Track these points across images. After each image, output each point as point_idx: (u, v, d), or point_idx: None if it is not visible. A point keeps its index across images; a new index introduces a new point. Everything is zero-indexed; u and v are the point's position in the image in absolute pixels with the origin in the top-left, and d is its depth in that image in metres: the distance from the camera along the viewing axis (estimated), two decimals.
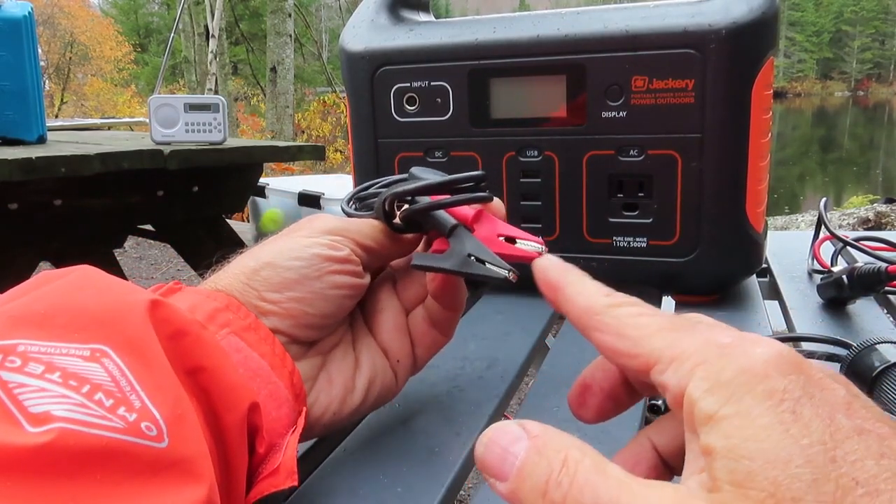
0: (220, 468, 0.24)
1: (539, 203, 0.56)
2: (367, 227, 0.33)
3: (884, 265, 0.47)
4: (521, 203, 0.56)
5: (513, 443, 0.19)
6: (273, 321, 0.29)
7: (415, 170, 0.35)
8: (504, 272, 0.29)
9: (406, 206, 0.33)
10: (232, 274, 0.30)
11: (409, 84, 0.57)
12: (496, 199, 0.32)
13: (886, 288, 0.50)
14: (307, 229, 0.32)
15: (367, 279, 0.33)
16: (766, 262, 0.65)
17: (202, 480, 0.22)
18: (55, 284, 0.24)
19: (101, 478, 0.19)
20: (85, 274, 0.25)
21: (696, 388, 0.18)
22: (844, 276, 0.49)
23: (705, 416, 0.17)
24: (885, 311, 0.52)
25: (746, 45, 0.48)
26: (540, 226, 0.56)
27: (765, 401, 0.16)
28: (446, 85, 0.56)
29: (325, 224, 0.32)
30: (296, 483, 0.26)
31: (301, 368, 0.30)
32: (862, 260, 0.65)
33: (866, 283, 0.49)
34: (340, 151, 8.35)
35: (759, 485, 0.15)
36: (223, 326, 0.27)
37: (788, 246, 0.71)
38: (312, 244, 0.30)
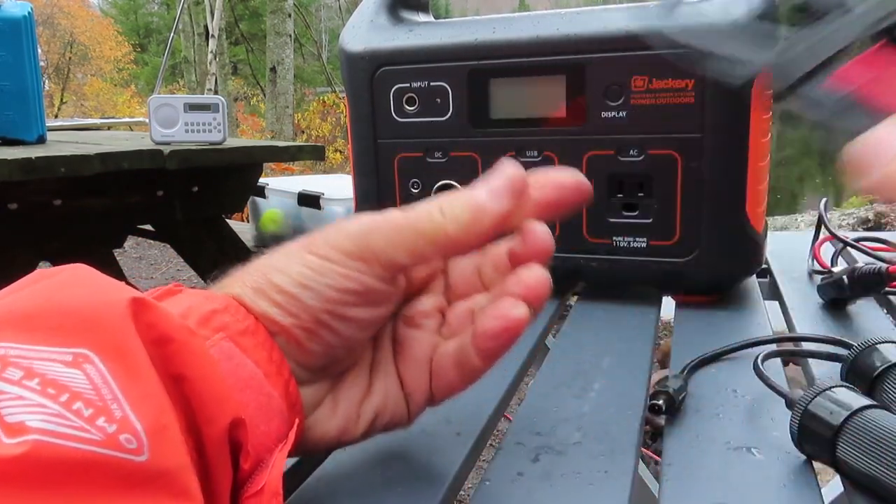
0: (202, 482, 0.23)
1: None
2: (405, 238, 0.27)
3: (884, 266, 0.47)
4: None
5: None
6: (280, 344, 0.27)
7: None
8: None
9: None
10: (243, 282, 0.28)
11: (408, 84, 0.57)
12: None
13: (887, 288, 0.50)
14: (323, 246, 0.27)
15: (390, 306, 0.29)
16: (767, 262, 0.65)
17: (185, 496, 0.21)
18: (42, 284, 0.23)
19: (74, 492, 0.19)
20: (75, 273, 0.24)
21: None
22: (845, 277, 0.49)
23: None
24: (886, 311, 0.52)
25: None
26: None
27: None
28: (446, 85, 0.56)
29: (343, 243, 0.27)
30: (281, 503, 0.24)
31: (304, 393, 0.28)
32: (862, 260, 0.65)
33: (867, 284, 0.49)
34: (340, 151, 8.35)
35: None
36: (218, 330, 0.26)
37: (788, 246, 0.71)
38: (325, 270, 0.27)
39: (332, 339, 0.27)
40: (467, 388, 0.31)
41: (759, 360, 0.37)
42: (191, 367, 0.23)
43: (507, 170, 0.28)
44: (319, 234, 0.28)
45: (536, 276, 0.28)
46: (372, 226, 0.27)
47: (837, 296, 0.51)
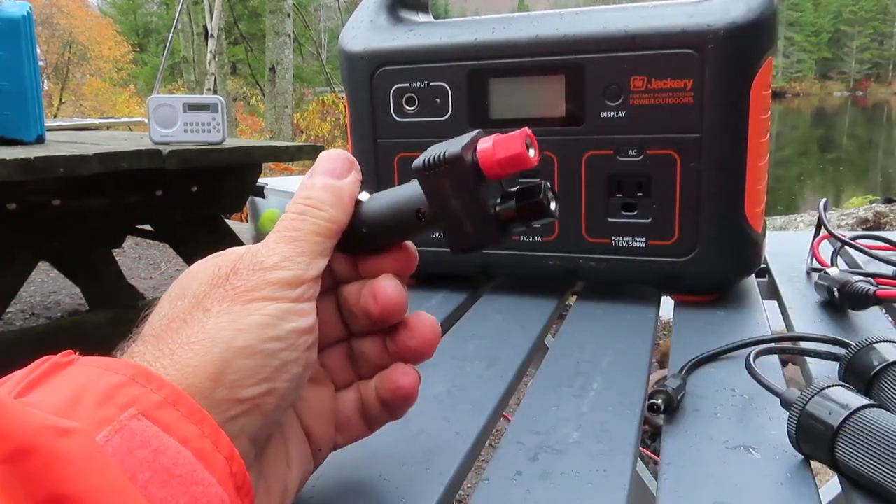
0: None
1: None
2: (313, 246, 0.26)
3: (872, 288, 0.47)
4: None
5: None
6: (241, 425, 0.23)
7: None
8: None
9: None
10: (182, 364, 0.22)
11: (408, 84, 0.57)
12: None
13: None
14: (262, 287, 0.24)
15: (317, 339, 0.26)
16: (765, 262, 0.65)
17: None
18: None
19: None
20: None
21: None
22: (836, 289, 0.49)
23: None
24: (884, 311, 0.52)
25: (745, 45, 0.49)
26: (538, 226, 0.56)
27: None
28: (445, 85, 0.56)
29: (279, 276, 0.25)
30: None
31: None
32: (861, 260, 0.65)
33: (854, 302, 0.49)
34: None
35: None
36: (126, 407, 0.20)
37: (787, 246, 0.71)
38: (284, 314, 0.24)
39: (294, 398, 0.25)
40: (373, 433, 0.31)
41: (751, 358, 0.37)
42: (71, 482, 0.17)
43: (331, 153, 0.29)
44: (236, 279, 0.25)
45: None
46: (288, 252, 0.25)
47: (829, 300, 0.52)
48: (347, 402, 0.30)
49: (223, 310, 0.24)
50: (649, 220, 0.53)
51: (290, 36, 7.23)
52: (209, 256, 0.27)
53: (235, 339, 0.23)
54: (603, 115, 0.52)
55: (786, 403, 0.32)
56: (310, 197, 0.27)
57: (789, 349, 0.43)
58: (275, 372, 0.23)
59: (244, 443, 0.23)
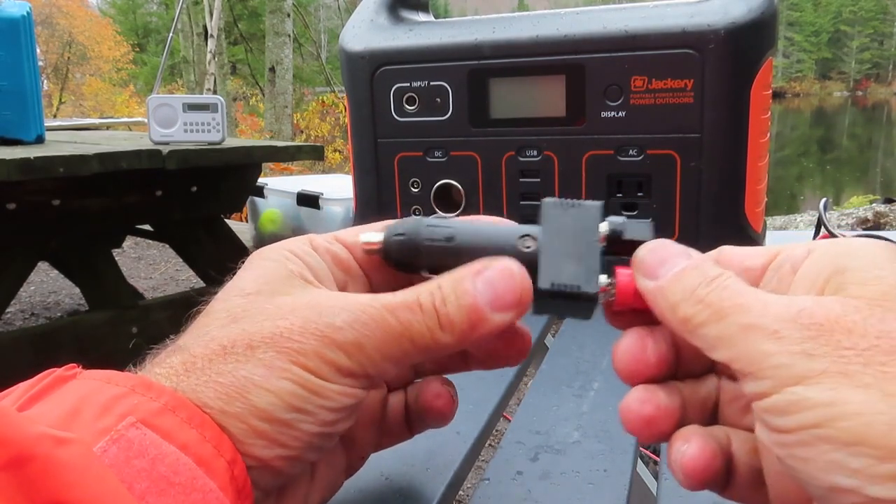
0: None
1: (538, 203, 0.56)
2: (399, 348, 0.23)
3: None
4: (521, 203, 0.56)
5: (676, 256, 0.23)
6: (251, 476, 0.22)
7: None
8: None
9: None
10: (203, 402, 0.21)
11: (408, 84, 0.57)
12: None
13: None
14: (311, 357, 0.22)
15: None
16: None
17: None
18: None
19: None
20: None
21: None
22: None
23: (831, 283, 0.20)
24: None
25: (745, 45, 0.49)
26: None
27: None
28: (446, 85, 0.56)
29: (335, 357, 0.22)
30: None
31: None
32: None
33: None
34: (339, 151, 8.36)
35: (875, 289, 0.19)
36: (123, 417, 0.20)
37: None
38: (321, 389, 0.22)
39: (313, 458, 0.24)
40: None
41: None
42: (70, 490, 0.17)
43: (514, 274, 0.24)
44: (293, 331, 0.22)
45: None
46: (364, 333, 0.22)
47: None
48: (395, 405, 0.29)
49: (265, 360, 0.22)
50: (649, 220, 0.53)
51: (289, 36, 7.23)
52: (295, 296, 0.24)
53: (259, 399, 0.21)
54: (603, 114, 0.52)
55: None
56: (446, 306, 0.23)
57: None
58: (290, 440, 0.22)
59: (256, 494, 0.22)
